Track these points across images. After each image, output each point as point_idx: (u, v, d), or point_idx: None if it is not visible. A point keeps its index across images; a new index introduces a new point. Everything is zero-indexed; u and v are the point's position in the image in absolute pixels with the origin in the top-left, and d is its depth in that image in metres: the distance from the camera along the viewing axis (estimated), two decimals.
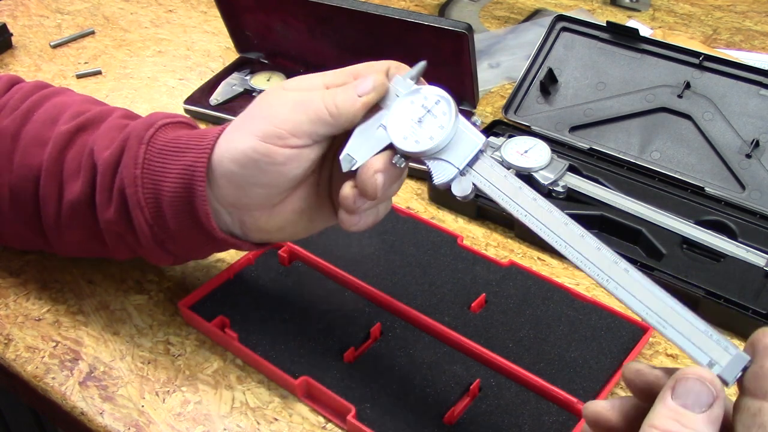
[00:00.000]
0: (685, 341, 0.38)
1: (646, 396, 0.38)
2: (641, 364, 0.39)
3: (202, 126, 0.58)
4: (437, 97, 0.46)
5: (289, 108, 0.48)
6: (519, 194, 0.44)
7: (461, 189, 0.45)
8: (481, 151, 0.45)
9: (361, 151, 0.47)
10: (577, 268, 0.41)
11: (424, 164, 0.46)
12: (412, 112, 0.46)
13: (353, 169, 0.46)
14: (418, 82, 0.48)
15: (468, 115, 0.45)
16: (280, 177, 0.48)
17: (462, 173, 0.45)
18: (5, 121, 0.57)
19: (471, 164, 0.45)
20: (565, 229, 0.42)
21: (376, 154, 0.46)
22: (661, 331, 0.39)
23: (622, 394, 0.54)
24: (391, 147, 0.46)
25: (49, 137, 0.56)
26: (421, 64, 0.49)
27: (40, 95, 0.59)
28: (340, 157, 0.47)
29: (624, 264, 0.41)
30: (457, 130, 0.45)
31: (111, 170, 0.52)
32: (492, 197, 0.44)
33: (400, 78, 0.48)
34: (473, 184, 0.45)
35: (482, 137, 0.45)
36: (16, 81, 0.62)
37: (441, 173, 0.45)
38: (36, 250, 0.65)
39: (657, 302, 0.39)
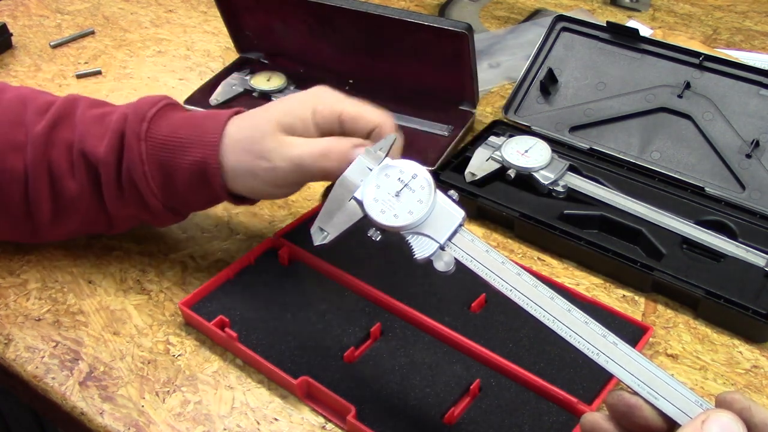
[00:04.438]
0: (675, 410, 0.39)
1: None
2: (622, 390, 0.40)
3: None
4: (414, 171, 0.46)
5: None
6: (503, 269, 0.43)
7: (444, 264, 0.44)
8: (460, 225, 0.45)
9: (333, 224, 0.47)
10: (569, 344, 0.42)
11: (404, 238, 0.45)
12: (389, 186, 0.46)
13: (326, 242, 0.46)
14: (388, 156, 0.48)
15: (444, 188, 0.46)
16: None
17: (442, 248, 0.45)
18: None
19: (450, 238, 0.45)
20: (551, 303, 0.42)
21: (350, 227, 0.46)
22: (652, 402, 0.39)
23: None
24: (365, 219, 0.46)
25: (23, 141, 0.57)
26: (391, 137, 0.49)
27: None
28: (311, 231, 0.47)
29: (612, 337, 0.41)
30: (435, 204, 0.45)
31: (114, 167, 0.57)
32: (475, 272, 0.44)
33: (369, 149, 0.48)
34: (455, 258, 0.44)
35: (461, 211, 0.45)
36: None
37: (422, 248, 0.45)
38: (35, 252, 0.65)
39: (646, 373, 0.40)
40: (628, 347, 0.41)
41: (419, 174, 0.46)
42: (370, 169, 0.47)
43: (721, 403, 0.37)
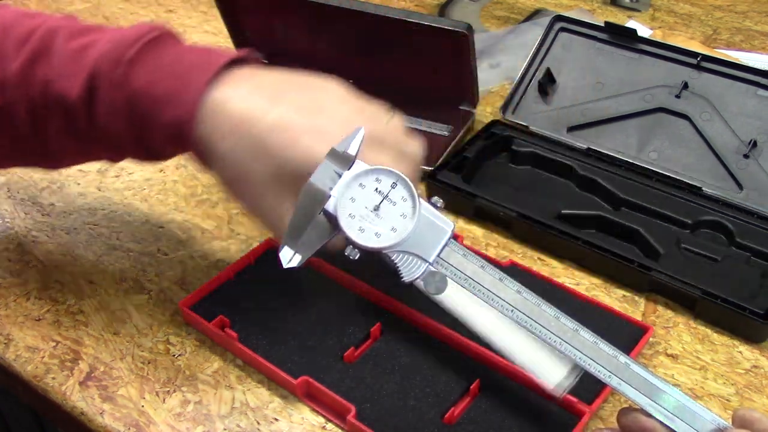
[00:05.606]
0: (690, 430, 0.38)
1: None
2: (636, 412, 0.40)
3: None
4: (392, 180, 0.41)
5: None
6: (501, 287, 0.40)
7: (436, 287, 0.40)
8: (450, 239, 0.41)
9: (302, 244, 0.41)
10: (577, 365, 0.40)
11: (389, 258, 0.41)
12: (365, 199, 0.40)
13: (296, 265, 0.41)
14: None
15: (426, 196, 0.42)
16: None
17: (432, 266, 0.40)
18: None
19: (440, 254, 0.40)
20: (557, 323, 0.40)
21: (323, 244, 0.41)
22: (668, 425, 0.38)
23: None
24: (339, 235, 0.41)
25: (1, 78, 0.50)
26: (359, 129, 0.42)
27: None
28: (279, 254, 0.41)
29: (624, 357, 0.40)
30: (421, 217, 0.40)
31: (86, 112, 0.49)
32: (470, 291, 0.40)
33: (334, 148, 0.41)
34: (446, 277, 0.40)
35: (449, 222, 0.41)
36: None
37: (409, 269, 0.40)
38: (35, 252, 0.65)
39: (662, 395, 0.39)
40: (641, 367, 0.40)
41: (399, 182, 0.41)
42: (339, 174, 0.41)
43: (741, 422, 0.37)
